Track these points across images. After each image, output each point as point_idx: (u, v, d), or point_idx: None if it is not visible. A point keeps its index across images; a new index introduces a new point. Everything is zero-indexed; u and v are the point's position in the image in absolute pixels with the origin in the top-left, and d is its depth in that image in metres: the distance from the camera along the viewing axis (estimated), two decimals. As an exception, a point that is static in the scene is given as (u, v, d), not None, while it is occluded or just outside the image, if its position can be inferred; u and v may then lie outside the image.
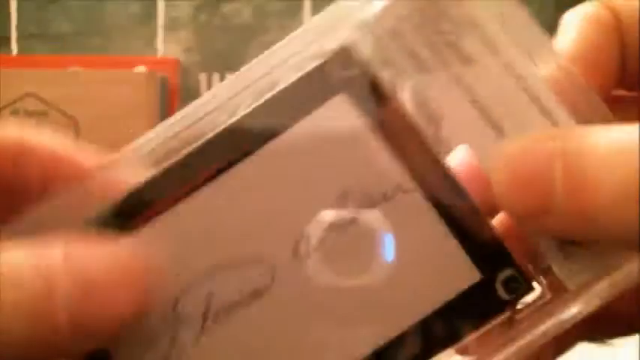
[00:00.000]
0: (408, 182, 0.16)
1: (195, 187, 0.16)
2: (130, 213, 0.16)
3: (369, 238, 0.16)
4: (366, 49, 0.16)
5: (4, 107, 0.81)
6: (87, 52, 0.95)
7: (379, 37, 0.15)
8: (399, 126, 0.16)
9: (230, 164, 0.16)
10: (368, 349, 0.16)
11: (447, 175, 0.16)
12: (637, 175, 0.13)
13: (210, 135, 0.16)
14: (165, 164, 0.16)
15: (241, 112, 0.16)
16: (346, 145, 0.16)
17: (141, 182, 0.16)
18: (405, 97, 0.16)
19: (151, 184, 0.16)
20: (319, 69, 0.16)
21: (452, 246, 0.16)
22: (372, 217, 0.16)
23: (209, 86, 0.97)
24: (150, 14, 0.97)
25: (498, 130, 0.15)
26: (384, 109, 0.16)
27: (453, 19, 0.15)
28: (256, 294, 0.16)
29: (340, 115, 0.16)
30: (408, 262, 0.16)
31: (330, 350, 0.16)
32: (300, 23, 1.09)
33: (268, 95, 0.16)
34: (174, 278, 0.16)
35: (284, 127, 0.16)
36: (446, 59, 0.15)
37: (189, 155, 0.16)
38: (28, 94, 0.81)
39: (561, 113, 0.15)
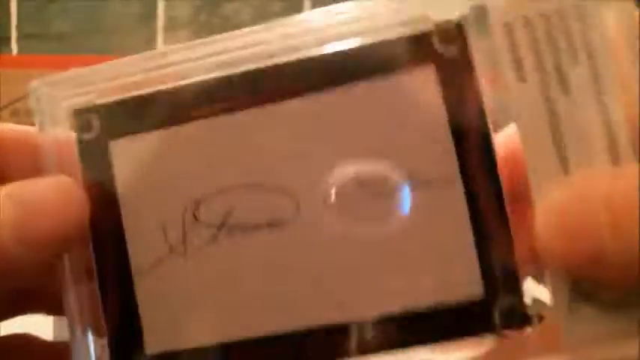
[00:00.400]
0: (455, 178, 0.15)
1: (253, 103, 0.16)
2: (179, 106, 0.17)
3: (397, 215, 0.16)
4: (477, 31, 0.15)
5: (4, 107, 0.81)
6: (87, 52, 0.95)
7: (495, 26, 0.15)
8: (472, 120, 0.15)
9: (293, 94, 0.16)
10: (356, 318, 0.16)
11: (494, 185, 0.15)
12: None
13: (285, 60, 0.16)
14: (231, 71, 0.17)
15: (327, 48, 0.16)
16: (415, 118, 0.16)
17: (201, 80, 0.17)
18: (488, 93, 0.15)
19: (211, 85, 0.17)
20: (424, 34, 0.15)
21: (470, 255, 0.16)
22: (409, 197, 0.16)
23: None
24: (150, 14, 0.97)
25: (562, 159, 0.15)
26: (464, 98, 0.15)
27: (572, 43, 0.14)
28: (275, 223, 0.16)
29: (422, 87, 0.15)
30: (423, 251, 0.16)
31: (323, 301, 0.16)
32: (300, 23, 1.09)
33: (364, 41, 0.16)
34: (199, 181, 0.17)
35: (363, 77, 0.16)
36: (546, 77, 0.15)
37: (257, 71, 0.17)
38: (28, 94, 0.81)
39: (628, 151, 0.14)
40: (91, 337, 0.18)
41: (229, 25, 1.01)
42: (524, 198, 0.15)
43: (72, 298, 0.18)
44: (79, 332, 0.18)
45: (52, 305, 0.20)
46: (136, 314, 0.17)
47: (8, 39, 0.97)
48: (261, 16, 1.03)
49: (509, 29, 0.14)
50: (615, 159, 0.14)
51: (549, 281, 0.15)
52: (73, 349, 0.18)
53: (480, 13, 0.15)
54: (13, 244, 0.16)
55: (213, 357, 0.17)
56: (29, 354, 0.21)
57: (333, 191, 0.16)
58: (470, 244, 0.16)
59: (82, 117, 0.18)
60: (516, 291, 0.16)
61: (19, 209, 0.17)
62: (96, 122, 0.18)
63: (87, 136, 0.18)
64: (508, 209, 0.15)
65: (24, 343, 0.21)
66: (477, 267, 0.16)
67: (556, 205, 0.14)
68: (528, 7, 0.14)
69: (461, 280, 0.16)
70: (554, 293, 0.15)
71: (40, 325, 0.22)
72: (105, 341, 0.18)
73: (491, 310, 0.16)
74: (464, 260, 0.16)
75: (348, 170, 0.16)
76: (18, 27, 0.97)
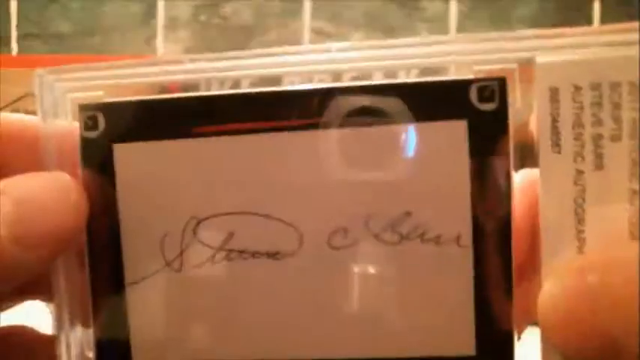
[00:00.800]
0: (466, 239, 0.15)
1: (268, 128, 0.16)
2: (191, 118, 0.17)
3: (401, 264, 0.16)
4: (519, 89, 0.14)
5: (4, 107, 0.81)
6: (87, 52, 0.95)
7: (540, 88, 0.14)
8: (496, 184, 0.15)
9: (309, 124, 0.16)
10: (346, 357, 0.16)
11: (505, 254, 0.15)
12: None
13: (305, 87, 0.16)
14: (249, 90, 0.16)
15: (369, 81, 0.15)
16: (436, 171, 0.15)
17: (217, 94, 0.17)
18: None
19: (226, 101, 0.16)
20: (462, 84, 0.15)
21: (468, 316, 0.16)
22: (415, 250, 0.16)
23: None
24: (150, 14, 0.97)
25: (580, 243, 0.14)
26: (492, 160, 0.15)
27: (618, 119, 0.14)
28: (275, 254, 0.16)
29: (450, 140, 0.15)
30: (422, 303, 0.16)
31: (313, 337, 0.16)
32: (300, 23, 1.09)
33: (401, 80, 0.15)
34: (203, 200, 0.16)
35: (387, 117, 0.15)
36: (582, 149, 0.14)
37: (276, 94, 0.16)
38: (28, 94, 0.82)
39: None
40: (78, 328, 0.18)
41: (229, 25, 1.01)
42: (533, 267, 0.15)
43: (62, 288, 0.18)
44: (66, 323, 0.18)
45: (50, 292, 0.20)
46: (125, 322, 0.17)
47: (8, 39, 0.97)
48: (262, 16, 1.03)
49: (554, 94, 0.14)
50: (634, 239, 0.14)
51: (542, 349, 0.15)
52: (58, 339, 0.18)
53: (526, 71, 0.14)
54: (9, 243, 0.16)
55: None
56: (25, 345, 0.21)
57: (339, 232, 0.16)
58: (469, 305, 0.16)
59: (87, 113, 0.18)
60: (508, 356, 0.16)
61: (15, 207, 0.16)
62: (102, 121, 0.17)
63: (91, 135, 0.18)
64: (514, 279, 0.15)
65: (20, 333, 0.21)
66: (473, 328, 0.16)
67: (566, 292, 0.13)
68: (580, 75, 0.13)
69: (455, 338, 0.16)
70: None
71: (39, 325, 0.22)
72: (91, 334, 0.18)
73: None
74: (461, 319, 0.16)
75: (358, 212, 0.16)
76: (18, 27, 0.97)
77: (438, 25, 1.11)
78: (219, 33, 1.01)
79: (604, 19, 1.13)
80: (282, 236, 0.16)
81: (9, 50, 0.97)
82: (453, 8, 1.12)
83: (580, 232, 0.14)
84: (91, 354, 0.18)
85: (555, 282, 0.14)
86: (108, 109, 0.18)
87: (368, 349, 0.16)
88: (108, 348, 0.18)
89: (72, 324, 0.18)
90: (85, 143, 0.18)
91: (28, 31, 0.97)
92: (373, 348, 0.16)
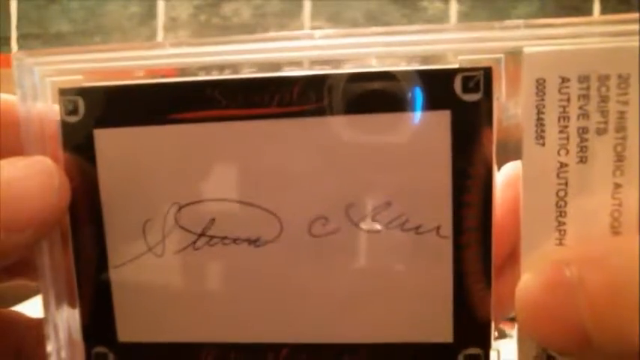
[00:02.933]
0: (446, 229, 0.15)
1: (250, 115, 0.16)
2: (171, 104, 0.16)
3: (381, 252, 0.16)
4: (504, 80, 0.14)
5: (4, 107, 0.81)
6: (87, 52, 0.95)
7: (526, 80, 0.13)
8: (477, 175, 0.15)
9: (293, 112, 0.16)
10: (324, 341, 0.16)
11: (485, 245, 0.15)
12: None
13: (288, 74, 0.16)
14: (230, 76, 0.16)
15: (349, 69, 0.15)
16: (418, 161, 0.15)
17: (197, 80, 0.16)
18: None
19: (207, 87, 0.16)
20: (447, 74, 0.14)
21: (447, 302, 0.16)
22: (395, 239, 0.16)
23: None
24: (150, 14, 0.97)
25: (560, 235, 0.14)
26: (474, 152, 0.14)
27: (605, 112, 0.13)
28: (255, 240, 0.16)
29: (433, 131, 0.15)
30: (401, 290, 0.16)
31: (291, 328, 0.16)
32: (300, 23, 1.09)
33: (386, 68, 0.15)
34: (185, 186, 0.16)
35: (372, 106, 0.15)
36: (567, 142, 0.14)
37: (257, 81, 0.16)
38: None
39: (633, 225, 0.13)
40: (65, 308, 0.18)
41: (229, 25, 1.01)
42: (513, 258, 0.15)
43: (47, 270, 0.18)
44: (52, 305, 0.18)
45: (34, 273, 0.21)
46: (109, 303, 0.18)
47: (8, 39, 0.97)
48: (261, 16, 1.03)
49: (540, 86, 0.13)
50: (616, 232, 0.14)
51: (518, 340, 0.15)
52: (46, 320, 0.18)
53: (513, 62, 0.14)
54: None
55: (182, 354, 0.17)
56: (12, 328, 0.21)
57: (320, 220, 0.16)
58: (448, 294, 0.16)
59: (67, 98, 0.17)
60: (484, 343, 0.16)
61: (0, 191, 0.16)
62: (82, 106, 0.17)
63: (71, 119, 0.17)
64: (496, 270, 0.15)
65: (7, 318, 0.21)
66: (451, 316, 0.16)
67: (542, 284, 0.13)
68: (568, 66, 0.13)
69: (433, 325, 0.16)
70: (521, 351, 0.15)
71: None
72: (77, 313, 0.18)
73: (458, 355, 0.16)
74: (440, 308, 0.16)
75: (338, 201, 0.16)
76: (18, 27, 0.97)
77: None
78: (219, 33, 1.01)
79: (604, 19, 1.13)
80: (262, 223, 0.16)
81: (9, 50, 0.97)
82: (453, 8, 1.12)
83: (561, 224, 0.14)
84: (78, 336, 0.18)
85: (532, 274, 0.14)
86: (88, 93, 0.17)
87: (347, 334, 0.16)
88: (94, 330, 0.18)
89: (59, 305, 0.18)
90: (66, 128, 0.18)
91: (28, 31, 0.97)
92: (352, 333, 0.16)
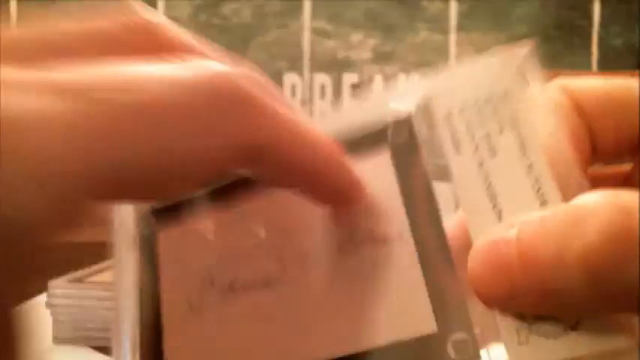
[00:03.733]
0: (407, 235, 0.18)
1: (244, 202, 0.20)
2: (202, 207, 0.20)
3: (361, 269, 0.18)
4: (421, 121, 0.19)
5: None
6: (87, 52, 0.95)
7: (437, 117, 0.18)
8: (420, 190, 0.19)
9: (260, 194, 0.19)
10: (328, 356, 0.18)
11: (440, 238, 0.18)
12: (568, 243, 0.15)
13: None
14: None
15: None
16: (376, 191, 0.19)
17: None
18: (429, 165, 0.19)
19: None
20: (382, 128, 0.19)
21: (422, 296, 0.18)
22: (369, 252, 0.18)
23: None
24: (150, 14, 0.97)
25: (498, 214, 0.17)
26: (413, 173, 0.19)
27: (500, 119, 0.18)
28: (267, 282, 0.19)
29: (380, 167, 0.19)
30: (384, 297, 0.18)
31: (302, 344, 0.19)
32: (299, 23, 1.09)
33: (337, 127, 0.19)
34: (215, 265, 0.20)
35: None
36: (478, 147, 0.18)
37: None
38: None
39: (554, 193, 0.17)
40: None
41: (229, 25, 1.02)
42: (468, 247, 0.17)
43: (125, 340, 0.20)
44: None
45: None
46: None
47: (8, 39, 0.97)
48: (261, 16, 1.03)
49: (449, 117, 0.18)
50: (543, 202, 0.17)
51: (498, 316, 0.16)
52: None
53: (426, 108, 0.19)
54: None
55: None
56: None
57: (311, 253, 0.19)
58: (422, 287, 0.18)
59: (146, 221, 0.21)
60: (467, 325, 0.17)
61: None
62: (152, 221, 0.21)
63: (145, 231, 0.21)
64: (454, 256, 0.18)
65: None
66: (429, 307, 0.18)
67: (477, 251, 0.16)
68: (464, 98, 0.18)
69: (416, 320, 0.18)
70: (503, 327, 0.16)
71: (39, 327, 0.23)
72: None
73: (446, 343, 0.17)
74: (418, 302, 0.18)
75: (323, 237, 0.19)
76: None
77: (438, 25, 1.11)
78: (219, 33, 1.01)
79: (604, 19, 1.13)
80: (271, 267, 0.19)
81: (9, 50, 0.97)
82: (453, 8, 1.12)
83: (495, 205, 0.17)
84: None
85: (479, 240, 0.16)
86: (157, 214, 0.21)
87: (346, 346, 0.18)
88: None
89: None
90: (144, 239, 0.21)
91: (28, 31, 0.97)
92: (349, 345, 0.18)
